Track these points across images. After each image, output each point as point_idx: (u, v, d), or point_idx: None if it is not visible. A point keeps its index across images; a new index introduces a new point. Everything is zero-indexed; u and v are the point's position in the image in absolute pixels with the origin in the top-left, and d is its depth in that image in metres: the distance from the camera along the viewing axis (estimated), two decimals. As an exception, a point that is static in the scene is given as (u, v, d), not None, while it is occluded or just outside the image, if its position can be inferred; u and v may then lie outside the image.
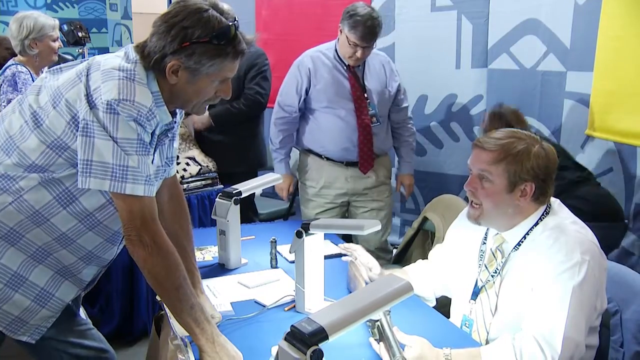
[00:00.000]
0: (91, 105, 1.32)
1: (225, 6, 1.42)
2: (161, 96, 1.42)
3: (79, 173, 1.34)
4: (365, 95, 2.86)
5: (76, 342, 1.62)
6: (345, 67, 2.86)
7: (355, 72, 2.87)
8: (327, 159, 2.93)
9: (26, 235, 1.43)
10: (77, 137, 1.34)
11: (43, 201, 1.41)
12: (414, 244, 2.93)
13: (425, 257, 1.99)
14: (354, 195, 2.99)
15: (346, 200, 3.01)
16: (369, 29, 2.66)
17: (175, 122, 1.56)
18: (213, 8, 1.38)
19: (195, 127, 3.29)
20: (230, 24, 1.38)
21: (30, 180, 1.40)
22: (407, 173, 3.18)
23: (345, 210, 3.06)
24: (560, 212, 1.60)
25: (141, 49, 1.40)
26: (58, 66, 1.49)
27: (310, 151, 2.98)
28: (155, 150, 1.48)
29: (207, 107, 1.53)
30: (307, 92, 2.89)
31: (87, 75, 1.36)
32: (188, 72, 1.39)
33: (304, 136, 2.98)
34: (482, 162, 1.57)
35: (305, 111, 2.94)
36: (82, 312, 1.70)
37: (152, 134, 1.42)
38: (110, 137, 1.31)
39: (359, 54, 2.73)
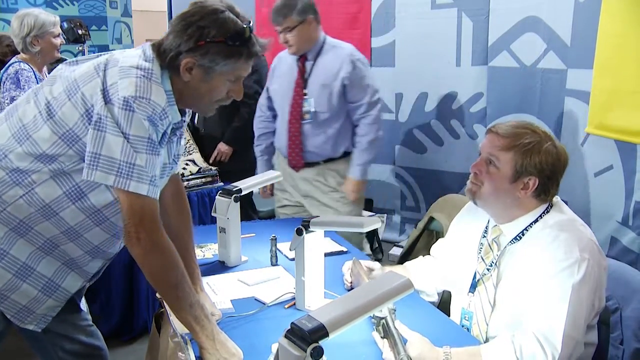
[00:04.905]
0: (106, 100, 1.34)
1: (240, 10, 1.45)
2: (173, 95, 1.44)
3: (85, 165, 1.35)
4: (305, 91, 2.81)
5: (75, 337, 1.63)
6: (298, 62, 2.84)
7: (303, 66, 2.83)
8: (282, 155, 2.97)
9: (35, 227, 1.45)
10: (88, 130, 1.35)
11: (53, 195, 1.43)
12: (419, 245, 2.92)
13: (430, 257, 1.98)
14: (306, 197, 2.95)
15: (300, 200, 2.97)
16: (275, 9, 2.69)
17: (184, 120, 1.58)
18: (229, 10, 1.42)
19: (222, 158, 3.36)
20: (245, 26, 1.42)
21: (41, 174, 1.42)
22: (350, 177, 2.85)
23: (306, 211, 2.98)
24: (561, 210, 1.60)
25: (157, 47, 1.42)
26: (74, 59, 1.50)
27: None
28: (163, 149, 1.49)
29: (215, 108, 1.55)
30: (268, 90, 2.97)
31: (105, 71, 1.38)
32: (202, 70, 1.42)
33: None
34: (493, 147, 1.57)
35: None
36: (85, 308, 1.71)
37: (163, 133, 1.44)
38: (122, 133, 1.33)
39: (280, 39, 2.71)
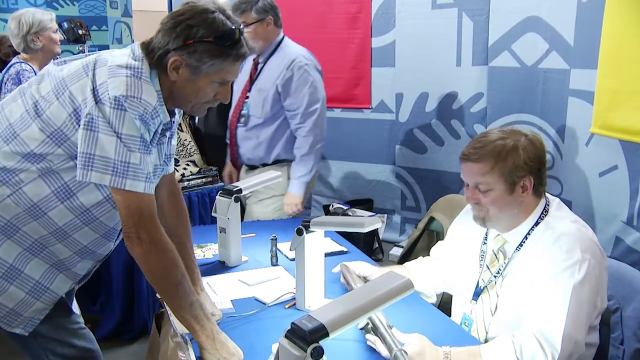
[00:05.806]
0: (97, 100, 1.33)
1: (231, 13, 1.46)
2: (161, 94, 1.43)
3: (79, 166, 1.34)
4: (248, 94, 2.76)
5: (67, 341, 1.60)
6: (252, 64, 2.81)
7: (255, 68, 2.78)
8: None
9: (23, 228, 1.43)
10: (77, 129, 1.35)
11: (41, 194, 1.42)
12: (419, 245, 2.91)
13: (430, 257, 1.98)
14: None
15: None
16: (234, 4, 2.63)
17: (173, 121, 1.57)
18: (220, 12, 1.42)
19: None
20: (234, 27, 1.42)
21: (29, 173, 1.40)
22: (290, 192, 2.72)
23: None
24: (561, 211, 1.59)
25: (146, 45, 1.42)
26: (62, 59, 1.50)
27: None
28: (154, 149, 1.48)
29: (206, 109, 1.54)
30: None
31: (94, 70, 1.37)
32: (189, 69, 1.41)
33: None
34: (475, 175, 1.56)
35: None
36: (77, 310, 1.69)
37: (154, 132, 1.43)
38: (115, 132, 1.32)
39: None
